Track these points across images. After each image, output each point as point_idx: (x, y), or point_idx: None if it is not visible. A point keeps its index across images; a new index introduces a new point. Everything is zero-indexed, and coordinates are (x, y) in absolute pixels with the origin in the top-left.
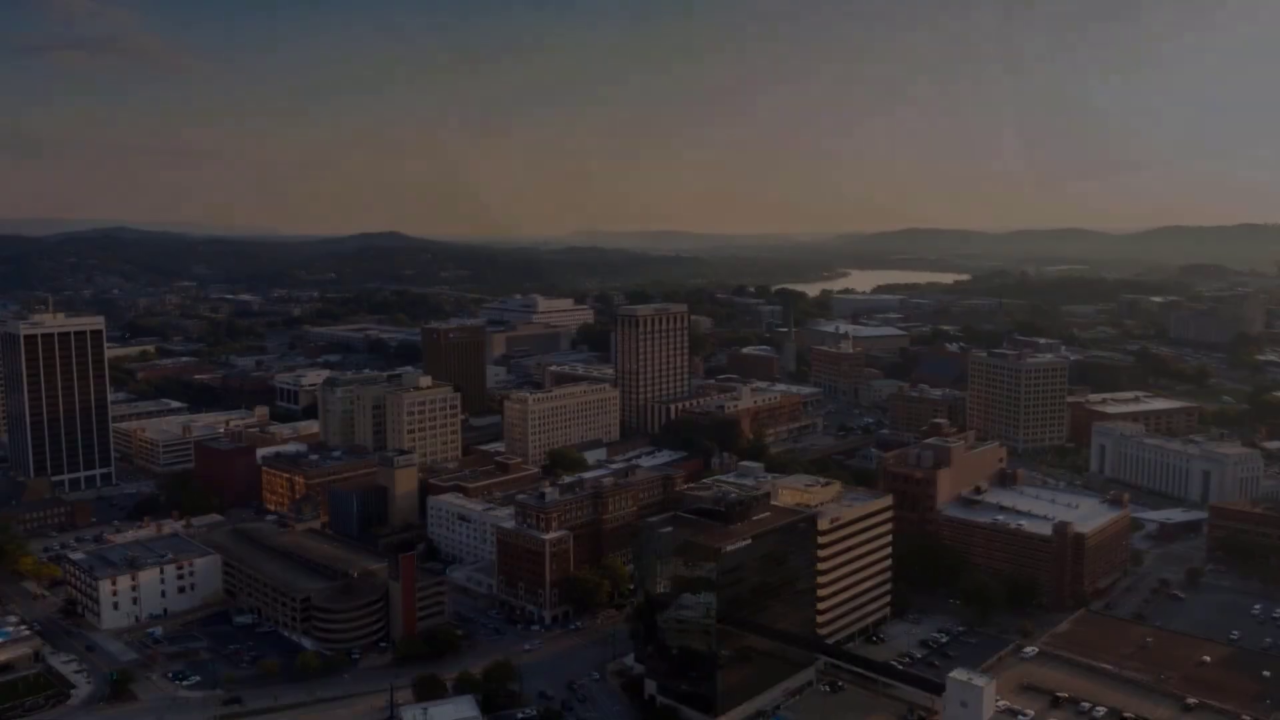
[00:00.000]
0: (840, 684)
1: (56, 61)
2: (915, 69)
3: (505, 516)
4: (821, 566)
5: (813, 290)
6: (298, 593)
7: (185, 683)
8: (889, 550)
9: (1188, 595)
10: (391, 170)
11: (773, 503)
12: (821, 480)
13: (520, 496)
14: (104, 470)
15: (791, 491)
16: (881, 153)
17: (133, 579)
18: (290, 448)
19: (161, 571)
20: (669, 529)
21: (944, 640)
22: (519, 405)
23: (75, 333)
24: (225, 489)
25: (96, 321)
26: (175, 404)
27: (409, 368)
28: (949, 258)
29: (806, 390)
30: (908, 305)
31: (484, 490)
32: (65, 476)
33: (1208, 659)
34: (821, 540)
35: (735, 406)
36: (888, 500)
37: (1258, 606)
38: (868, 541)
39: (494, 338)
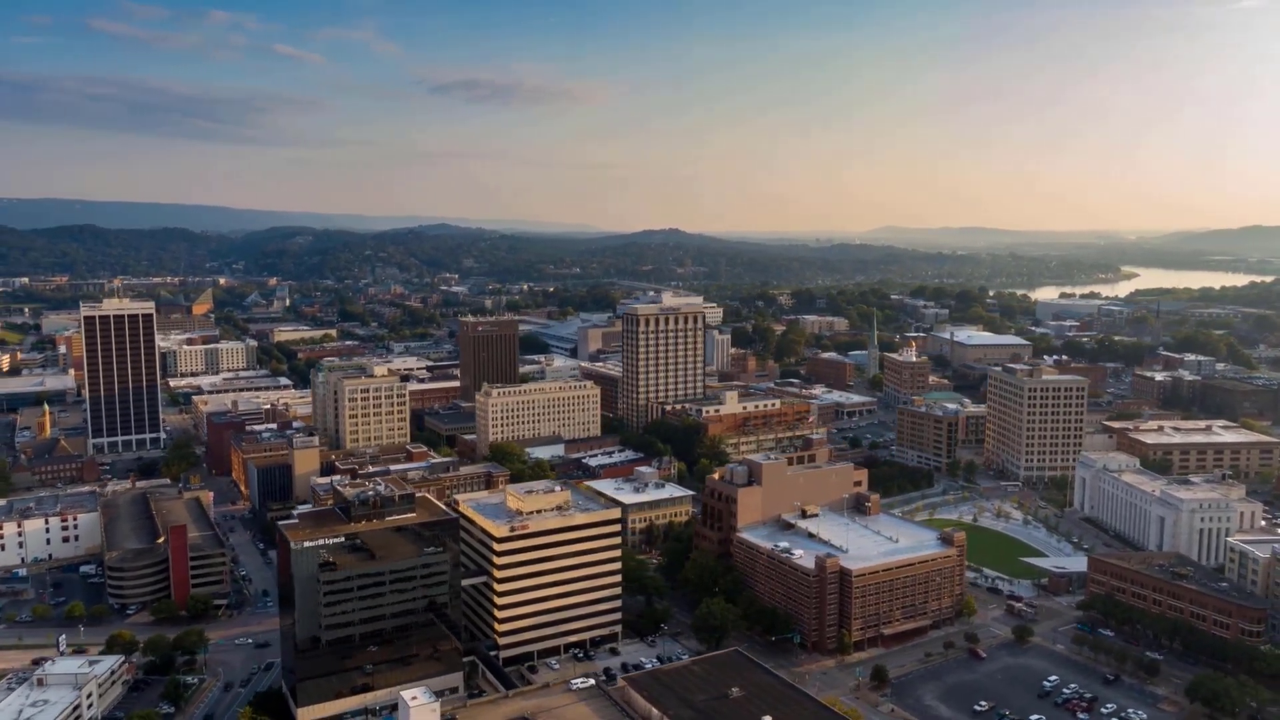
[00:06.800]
0: (482, 690)
1: (461, 96)
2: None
3: None
4: (500, 575)
5: (1047, 294)
6: (110, 551)
7: None
8: (616, 565)
9: (993, 655)
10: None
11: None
12: (557, 486)
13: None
14: (153, 435)
15: (514, 497)
16: (1230, 145)
17: (19, 526)
18: (263, 426)
19: (46, 522)
20: (294, 522)
21: (650, 666)
22: (484, 398)
23: (129, 315)
24: (218, 458)
25: (148, 306)
26: (286, 381)
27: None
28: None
29: (857, 399)
30: (1103, 313)
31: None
32: (119, 439)
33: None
34: (499, 549)
35: (715, 411)
36: (614, 514)
37: (1053, 678)
38: (582, 554)
39: (590, 333)
